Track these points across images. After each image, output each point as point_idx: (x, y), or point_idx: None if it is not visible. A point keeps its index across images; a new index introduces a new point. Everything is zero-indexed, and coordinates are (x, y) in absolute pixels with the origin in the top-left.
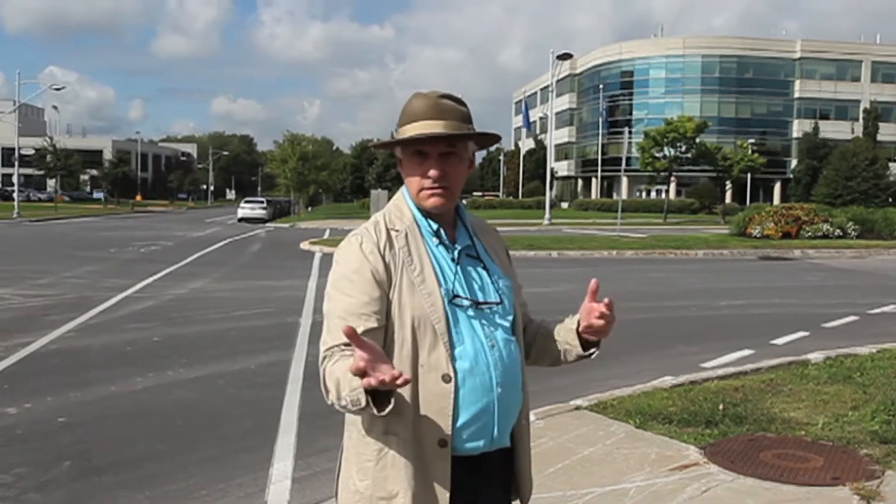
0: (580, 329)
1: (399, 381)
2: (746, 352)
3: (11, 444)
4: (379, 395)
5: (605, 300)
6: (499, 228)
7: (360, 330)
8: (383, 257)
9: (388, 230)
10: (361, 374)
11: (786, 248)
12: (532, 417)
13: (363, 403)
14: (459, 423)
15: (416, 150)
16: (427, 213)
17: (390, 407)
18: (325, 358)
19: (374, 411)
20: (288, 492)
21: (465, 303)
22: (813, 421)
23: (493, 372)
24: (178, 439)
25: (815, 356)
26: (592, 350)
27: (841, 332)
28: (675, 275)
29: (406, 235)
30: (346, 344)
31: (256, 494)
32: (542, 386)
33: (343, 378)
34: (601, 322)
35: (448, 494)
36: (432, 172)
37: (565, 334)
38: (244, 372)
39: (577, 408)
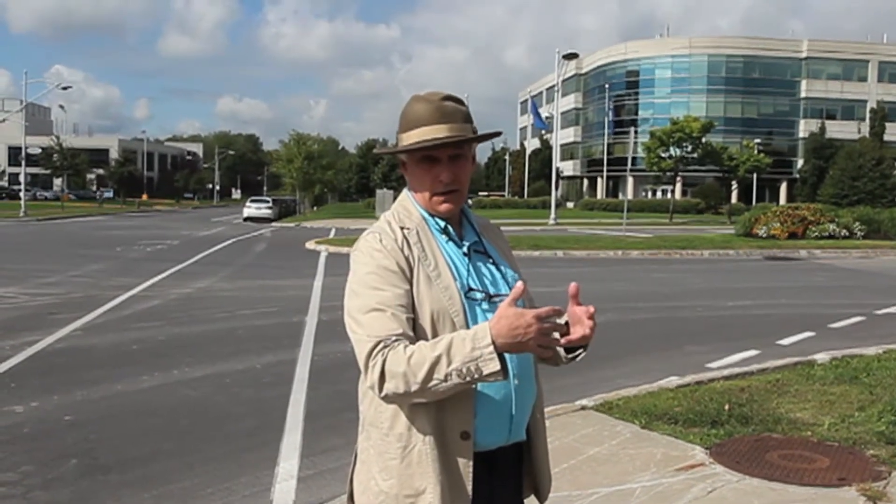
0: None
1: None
2: (752, 352)
3: (18, 443)
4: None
5: (589, 308)
6: (504, 228)
7: (401, 320)
8: (403, 252)
9: (400, 228)
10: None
11: (792, 249)
12: None
13: (496, 367)
14: (480, 415)
15: (424, 156)
16: (434, 212)
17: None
18: (378, 349)
19: (500, 374)
20: (293, 491)
21: (479, 296)
22: (819, 421)
23: (510, 363)
24: (184, 438)
25: (822, 357)
26: (579, 352)
27: (847, 333)
28: (681, 275)
29: (417, 232)
30: (398, 333)
31: (262, 493)
32: (548, 386)
33: (455, 348)
34: (584, 332)
35: (471, 488)
36: (444, 177)
37: None
38: (250, 371)
39: (583, 408)
